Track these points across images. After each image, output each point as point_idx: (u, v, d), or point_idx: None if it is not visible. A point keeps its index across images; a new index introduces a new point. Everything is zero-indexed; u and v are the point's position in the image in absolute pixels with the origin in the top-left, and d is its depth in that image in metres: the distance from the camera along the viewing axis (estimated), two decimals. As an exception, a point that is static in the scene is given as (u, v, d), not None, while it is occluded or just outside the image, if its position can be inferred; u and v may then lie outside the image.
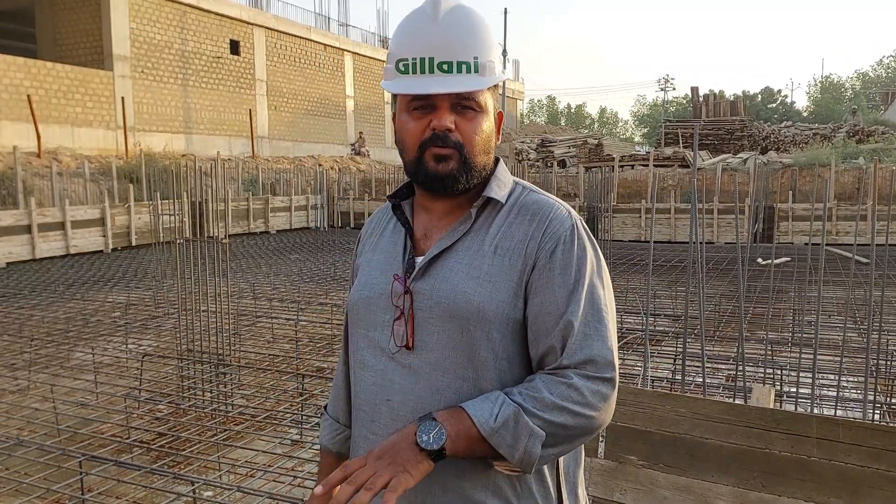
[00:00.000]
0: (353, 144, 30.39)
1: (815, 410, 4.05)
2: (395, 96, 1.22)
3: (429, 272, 1.19)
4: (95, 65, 20.44)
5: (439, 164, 1.18)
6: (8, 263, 12.20)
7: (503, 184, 1.25)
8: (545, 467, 1.18)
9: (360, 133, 30.82)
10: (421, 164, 1.19)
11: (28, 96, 17.08)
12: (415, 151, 1.19)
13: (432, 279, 1.19)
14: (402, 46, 1.18)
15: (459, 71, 1.15)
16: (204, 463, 4.02)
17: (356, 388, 1.27)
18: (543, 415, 1.07)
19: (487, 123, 1.21)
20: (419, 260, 1.22)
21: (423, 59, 1.15)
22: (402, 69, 1.17)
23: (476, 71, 1.16)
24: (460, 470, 1.13)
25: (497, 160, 1.27)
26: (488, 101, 1.20)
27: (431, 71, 1.15)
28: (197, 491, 3.54)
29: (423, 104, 1.17)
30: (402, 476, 1.00)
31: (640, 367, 5.74)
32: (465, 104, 1.17)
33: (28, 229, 12.64)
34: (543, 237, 1.17)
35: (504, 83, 44.13)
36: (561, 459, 1.20)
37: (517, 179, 1.28)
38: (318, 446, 1.48)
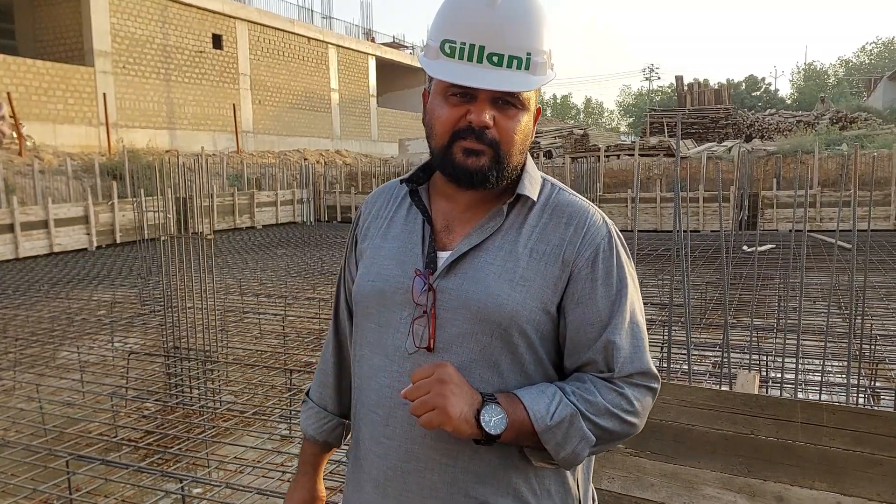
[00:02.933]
0: None
1: (800, 395, 4.09)
2: (432, 78, 1.13)
3: (455, 270, 1.12)
4: (76, 61, 20.20)
5: (469, 158, 1.09)
6: (-9, 263, 12.07)
7: (534, 181, 1.17)
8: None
9: None
10: (449, 154, 1.11)
11: (8, 94, 16.85)
12: (445, 139, 1.11)
13: (460, 278, 1.11)
14: (452, 26, 1.08)
15: (510, 66, 1.06)
16: (193, 460, 4.00)
17: (364, 387, 1.19)
18: (596, 419, 1.07)
19: (527, 121, 1.13)
20: (441, 254, 1.15)
21: (472, 46, 1.06)
22: (448, 52, 1.07)
23: (527, 68, 1.07)
24: (480, 476, 1.11)
25: (526, 157, 1.19)
26: (532, 97, 1.12)
27: (480, 60, 1.06)
28: (186, 488, 3.53)
29: (462, 92, 1.08)
30: (445, 418, 1.01)
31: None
32: (507, 100, 1.09)
33: (11, 228, 12.50)
34: (582, 244, 1.12)
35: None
36: None
37: (544, 175, 1.22)
38: None
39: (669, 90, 65.74)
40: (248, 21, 26.27)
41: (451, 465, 1.11)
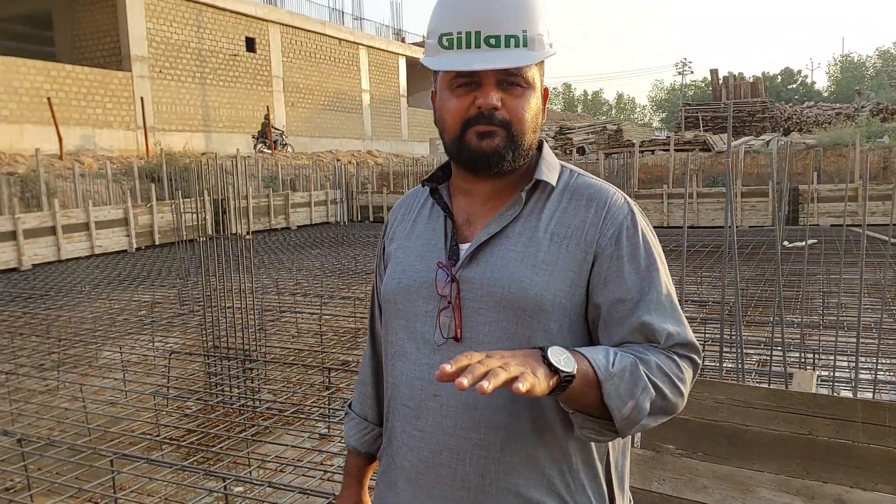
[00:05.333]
0: (255, 136, 23.74)
1: (854, 394, 3.96)
2: (435, 73, 1.15)
3: (477, 259, 1.12)
4: (114, 66, 20.62)
5: (483, 141, 1.10)
6: (34, 265, 12.36)
7: (552, 166, 1.18)
8: (597, 460, 1.14)
9: (267, 117, 23.47)
10: (463, 141, 1.12)
11: (48, 99, 17.26)
12: (457, 130, 1.12)
13: (482, 267, 1.11)
14: (446, 20, 1.10)
15: (507, 45, 1.07)
16: (234, 459, 4.03)
17: (395, 381, 1.19)
18: (651, 375, 1.02)
19: (535, 100, 1.13)
20: (464, 246, 1.15)
21: (468, 34, 1.07)
22: (446, 44, 1.09)
23: (525, 45, 1.08)
24: (512, 467, 1.09)
25: (542, 143, 1.20)
26: (536, 76, 1.13)
27: (478, 46, 1.07)
28: (228, 487, 3.55)
29: (466, 81, 1.09)
30: (531, 377, 0.89)
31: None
32: (512, 80, 1.09)
33: (53, 231, 12.79)
34: (604, 224, 1.11)
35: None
36: (611, 452, 1.16)
37: (563, 163, 1.22)
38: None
39: (703, 84, 64.71)
40: (281, 24, 26.55)
41: (484, 455, 1.09)
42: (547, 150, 1.20)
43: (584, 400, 0.99)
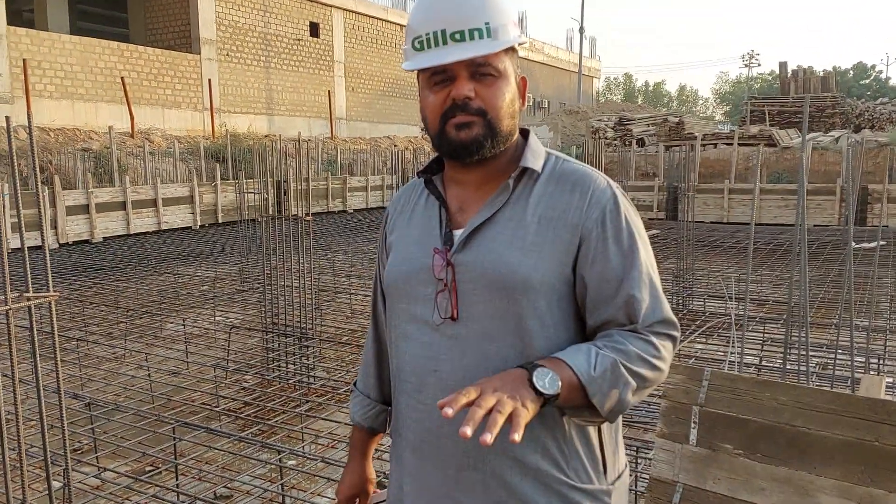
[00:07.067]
0: None
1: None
2: (419, 77, 1.22)
3: (470, 244, 1.20)
4: (183, 48, 21.19)
5: (461, 132, 1.17)
6: (104, 238, 12.89)
7: (537, 154, 1.25)
8: (589, 428, 1.21)
9: None
10: (444, 134, 1.19)
11: (122, 79, 17.88)
12: (437, 124, 1.19)
13: (475, 251, 1.19)
14: (416, 24, 1.18)
15: (472, 38, 1.14)
16: (288, 433, 4.14)
17: (399, 361, 1.28)
18: (631, 366, 1.12)
19: (509, 88, 1.20)
20: (457, 232, 1.23)
21: (435, 33, 1.15)
22: (418, 46, 1.17)
23: (489, 35, 1.15)
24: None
25: (527, 132, 1.28)
26: (508, 66, 1.19)
27: (445, 42, 1.15)
28: (282, 459, 3.66)
29: (442, 77, 1.17)
30: (522, 410, 0.99)
31: (724, 352, 5.55)
32: (482, 71, 1.16)
33: (123, 206, 13.31)
34: (588, 207, 1.19)
35: (581, 57, 43.20)
36: None
37: (549, 150, 1.29)
38: None
39: (770, 77, 62.57)
40: (344, 9, 26.79)
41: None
42: (533, 138, 1.27)
43: (571, 402, 1.09)
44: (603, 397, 1.09)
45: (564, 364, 1.08)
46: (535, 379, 1.04)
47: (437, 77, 1.17)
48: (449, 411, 0.95)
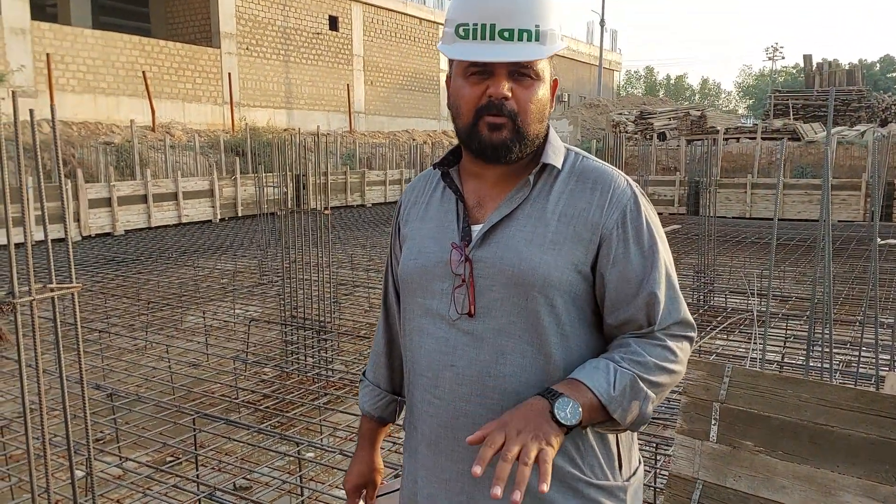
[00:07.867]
0: None
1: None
2: (451, 60, 1.21)
3: (489, 240, 1.20)
4: (204, 42, 21.32)
5: (493, 133, 1.16)
6: (126, 231, 13.04)
7: (557, 150, 1.24)
8: None
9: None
10: (475, 131, 1.18)
11: (143, 73, 18.03)
12: (470, 117, 1.18)
13: (494, 247, 1.19)
14: (464, 10, 1.16)
15: (521, 39, 1.13)
16: (307, 425, 4.17)
17: (414, 355, 1.28)
18: (650, 377, 1.14)
19: (543, 91, 1.19)
20: (475, 228, 1.22)
21: (483, 26, 1.13)
22: (462, 34, 1.15)
23: (537, 39, 1.14)
24: None
25: (548, 127, 1.26)
26: (546, 69, 1.19)
27: (492, 38, 1.13)
28: (301, 452, 3.68)
29: (480, 70, 1.16)
30: (548, 449, 1.01)
31: (745, 349, 5.49)
32: (522, 72, 1.15)
33: (144, 199, 13.45)
34: (609, 207, 1.19)
35: (601, 50, 42.86)
36: None
37: (568, 146, 1.28)
38: None
39: (794, 70, 61.68)
40: (364, 2, 26.77)
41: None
42: (552, 133, 1.26)
43: (593, 421, 1.12)
44: (624, 413, 1.11)
45: (584, 387, 1.10)
46: (556, 411, 1.05)
47: (475, 69, 1.16)
48: (478, 469, 0.96)
